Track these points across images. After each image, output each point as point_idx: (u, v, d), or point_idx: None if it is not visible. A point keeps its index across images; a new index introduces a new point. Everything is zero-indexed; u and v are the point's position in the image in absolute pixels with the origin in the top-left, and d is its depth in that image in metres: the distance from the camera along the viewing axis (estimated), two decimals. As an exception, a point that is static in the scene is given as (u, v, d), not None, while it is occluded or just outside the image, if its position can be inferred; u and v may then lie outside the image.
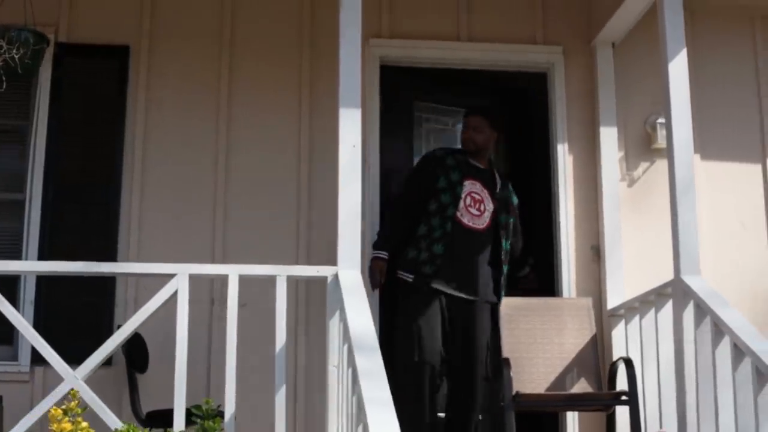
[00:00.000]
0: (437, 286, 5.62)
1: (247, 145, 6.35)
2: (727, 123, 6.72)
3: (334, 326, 4.79)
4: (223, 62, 6.44)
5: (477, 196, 5.79)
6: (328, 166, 6.05)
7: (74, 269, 4.96)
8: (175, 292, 4.78)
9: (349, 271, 4.81)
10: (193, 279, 4.84)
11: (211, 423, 4.12)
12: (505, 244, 5.86)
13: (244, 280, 4.89)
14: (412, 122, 6.68)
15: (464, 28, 6.67)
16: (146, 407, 5.57)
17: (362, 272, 4.92)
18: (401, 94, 6.64)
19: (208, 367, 5.87)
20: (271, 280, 4.89)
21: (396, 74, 6.60)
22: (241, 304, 5.81)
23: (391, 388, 3.89)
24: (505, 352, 5.79)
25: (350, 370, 4.25)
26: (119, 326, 5.64)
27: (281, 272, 4.89)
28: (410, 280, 5.67)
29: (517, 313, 5.96)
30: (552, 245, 6.48)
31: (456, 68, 6.69)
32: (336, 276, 4.83)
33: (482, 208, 5.80)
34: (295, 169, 6.36)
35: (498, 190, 5.91)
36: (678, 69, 5.46)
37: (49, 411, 3.93)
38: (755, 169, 6.74)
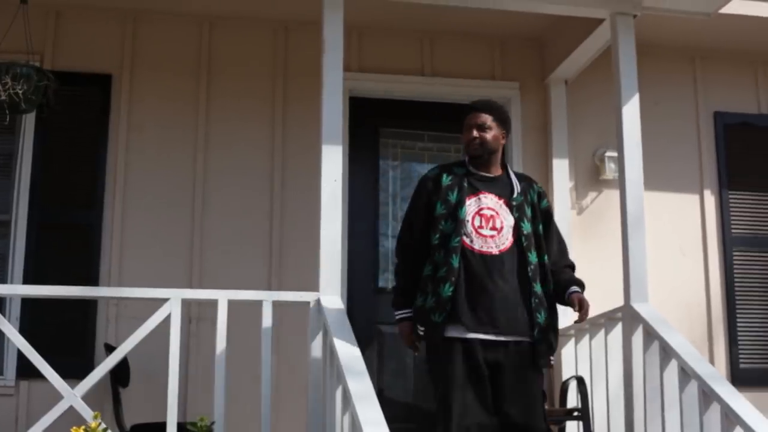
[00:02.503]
0: (453, 333, 4.53)
1: (224, 169, 6.66)
2: (668, 156, 7.18)
3: (316, 348, 5.15)
4: (201, 91, 6.75)
5: (489, 213, 4.73)
6: (300, 193, 6.52)
7: (73, 293, 5.30)
8: (168, 315, 5.11)
9: (331, 297, 5.19)
10: (174, 299, 5.20)
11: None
12: (532, 257, 4.71)
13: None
14: (377, 147, 7.02)
15: (428, 64, 7.09)
16: (127, 421, 5.82)
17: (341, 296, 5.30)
18: (367, 121, 6.99)
19: (185, 383, 6.13)
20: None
21: (362, 103, 6.95)
22: (202, 319, 6.21)
23: None
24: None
25: (340, 391, 4.61)
26: (105, 344, 5.97)
27: (267, 297, 5.25)
28: (422, 333, 4.68)
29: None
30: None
31: (421, 101, 7.09)
32: (318, 301, 5.19)
33: (498, 225, 4.71)
34: (268, 194, 6.67)
35: (515, 195, 4.82)
36: (631, 113, 5.90)
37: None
38: (693, 199, 7.24)
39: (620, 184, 5.93)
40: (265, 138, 6.76)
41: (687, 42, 7.24)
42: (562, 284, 4.81)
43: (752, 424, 4.57)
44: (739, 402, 4.74)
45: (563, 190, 6.96)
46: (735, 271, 7.14)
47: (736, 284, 7.12)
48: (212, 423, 4.94)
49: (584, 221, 7.01)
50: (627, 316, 5.69)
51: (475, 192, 4.76)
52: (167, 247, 6.49)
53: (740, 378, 6.73)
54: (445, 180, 4.79)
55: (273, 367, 5.20)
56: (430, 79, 6.99)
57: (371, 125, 7.01)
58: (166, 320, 5.11)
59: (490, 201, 4.75)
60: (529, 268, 4.66)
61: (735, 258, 7.16)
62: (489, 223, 4.70)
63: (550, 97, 7.09)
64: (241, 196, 6.64)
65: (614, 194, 6.49)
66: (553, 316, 4.73)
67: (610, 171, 6.93)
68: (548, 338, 4.64)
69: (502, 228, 4.70)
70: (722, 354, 6.99)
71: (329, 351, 4.95)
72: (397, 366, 6.71)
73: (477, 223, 4.69)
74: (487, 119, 4.84)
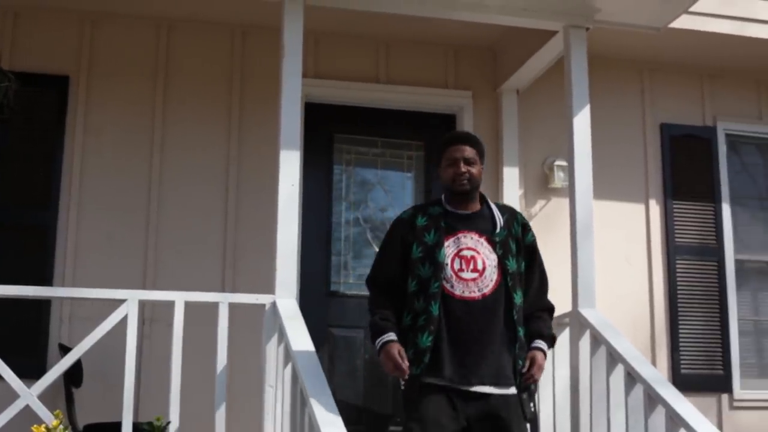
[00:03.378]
0: (432, 380, 4.25)
1: (179, 171, 6.71)
2: (616, 166, 7.33)
3: (271, 350, 5.23)
4: (158, 94, 6.78)
5: (469, 253, 4.38)
6: (255, 195, 6.59)
7: (30, 293, 5.29)
8: (125, 316, 5.15)
9: (287, 300, 5.28)
10: (126, 300, 5.23)
11: (164, 438, 4.46)
12: (517, 298, 4.40)
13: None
14: (331, 153, 7.10)
15: (383, 72, 7.19)
16: (79, 421, 5.83)
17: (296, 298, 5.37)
18: (321, 127, 7.05)
19: (138, 384, 6.12)
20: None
21: (317, 109, 7.00)
22: (155, 320, 6.24)
23: None
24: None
25: (298, 392, 4.69)
26: (60, 344, 5.98)
27: (223, 299, 5.32)
28: (402, 387, 4.35)
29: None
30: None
31: (375, 107, 7.18)
32: (273, 303, 5.27)
33: (480, 265, 4.37)
34: (223, 197, 6.73)
35: (498, 230, 4.49)
36: (582, 123, 6.03)
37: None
38: (639, 209, 7.41)
39: (570, 193, 6.05)
40: (221, 140, 6.81)
41: (636, 55, 7.42)
42: (529, 333, 4.46)
43: (695, 426, 4.71)
44: (683, 405, 4.88)
45: (513, 198, 7.06)
46: (678, 278, 7.32)
47: (679, 292, 7.29)
48: (168, 423, 4.99)
49: (533, 228, 7.07)
50: (574, 322, 5.80)
51: (453, 232, 4.42)
52: (122, 249, 6.52)
53: (682, 383, 6.84)
54: (420, 221, 4.47)
55: (227, 368, 5.30)
56: (385, 87, 7.10)
57: (326, 131, 7.09)
58: (122, 321, 5.14)
59: (469, 240, 4.41)
60: (514, 311, 4.36)
61: (678, 266, 7.34)
62: (470, 265, 4.36)
63: (502, 106, 7.21)
64: (197, 198, 6.69)
65: (563, 202, 6.63)
66: None
67: (559, 180, 7.08)
68: (529, 385, 4.42)
69: (484, 269, 4.36)
70: (664, 359, 7.17)
71: (284, 353, 5.03)
72: (348, 369, 6.81)
73: (457, 266, 4.35)
74: (472, 152, 4.52)
